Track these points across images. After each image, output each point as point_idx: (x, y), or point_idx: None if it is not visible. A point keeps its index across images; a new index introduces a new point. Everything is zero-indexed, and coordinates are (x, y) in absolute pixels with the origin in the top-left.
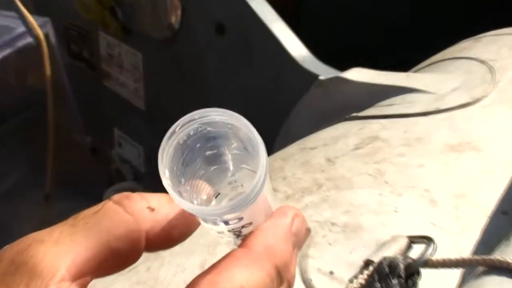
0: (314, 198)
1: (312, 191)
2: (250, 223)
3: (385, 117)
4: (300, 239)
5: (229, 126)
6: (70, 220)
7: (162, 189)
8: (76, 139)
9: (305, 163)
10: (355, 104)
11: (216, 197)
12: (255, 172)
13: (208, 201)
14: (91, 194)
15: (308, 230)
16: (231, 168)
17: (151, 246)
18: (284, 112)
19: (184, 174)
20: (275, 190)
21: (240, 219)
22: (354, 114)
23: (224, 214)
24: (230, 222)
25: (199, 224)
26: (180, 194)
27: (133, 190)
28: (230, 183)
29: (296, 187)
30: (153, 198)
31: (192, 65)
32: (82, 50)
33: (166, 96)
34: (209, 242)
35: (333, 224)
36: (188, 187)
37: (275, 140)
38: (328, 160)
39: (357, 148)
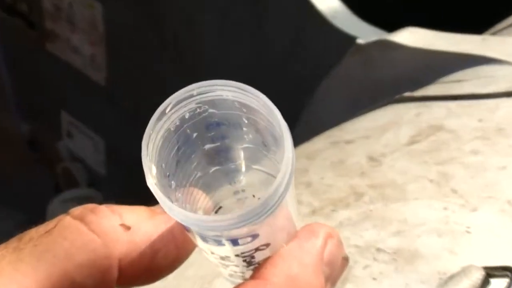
0: (351, 213)
1: (349, 204)
2: (267, 245)
3: (452, 99)
4: (335, 270)
5: (241, 106)
6: (12, 243)
7: (130, 200)
8: (7, 127)
9: (338, 163)
10: (408, 79)
11: (216, 212)
12: (274, 176)
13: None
14: (29, 206)
15: (345, 259)
16: (241, 169)
17: (125, 279)
18: (307, 89)
19: (175, 175)
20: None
21: (254, 236)
22: (407, 94)
23: (234, 227)
24: (240, 241)
25: (193, 247)
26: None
27: (89, 200)
28: (236, 192)
29: (326, 197)
30: (128, 212)
31: (178, 24)
32: (17, 1)
33: (137, 68)
34: (203, 273)
35: (378, 250)
36: (179, 195)
37: (293, 129)
38: (371, 159)
39: (412, 142)
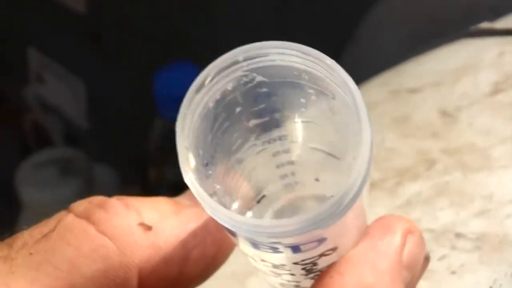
0: (422, 187)
1: (418, 175)
2: (335, 249)
3: None
4: (416, 274)
5: (301, 74)
6: (1, 250)
7: (122, 162)
8: None
9: (401, 120)
10: (486, 5)
11: (259, 202)
12: (335, 157)
13: (244, 209)
14: None
15: (427, 259)
16: (293, 148)
17: None
18: (351, 19)
19: (213, 162)
20: None
21: (321, 241)
22: (485, 25)
23: (299, 233)
24: (302, 248)
25: (234, 247)
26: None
27: (68, 162)
28: (283, 176)
29: (388, 166)
30: (147, 206)
31: None
32: None
33: None
34: (233, 270)
35: (458, 235)
36: (217, 186)
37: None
38: (445, 114)
39: (496, 91)
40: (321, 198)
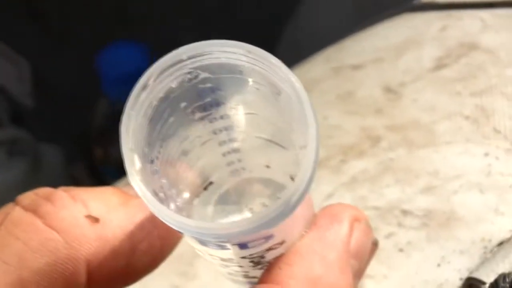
0: (367, 164)
1: (363, 152)
2: (282, 242)
3: (487, 6)
4: (364, 261)
5: (245, 71)
6: None
7: (67, 143)
8: None
9: (345, 97)
10: None
11: (205, 189)
12: (279, 145)
13: (192, 196)
14: None
15: (375, 244)
16: (238, 137)
17: (97, 284)
18: None
19: (159, 157)
20: None
21: (268, 238)
22: None
23: (246, 234)
24: (249, 245)
25: (179, 239)
26: (155, 194)
27: (14, 142)
28: (230, 163)
29: (332, 144)
30: (94, 198)
31: None
32: None
33: None
34: (180, 252)
35: (404, 212)
36: (163, 180)
37: (274, 48)
38: (388, 90)
39: (440, 66)
40: (267, 181)
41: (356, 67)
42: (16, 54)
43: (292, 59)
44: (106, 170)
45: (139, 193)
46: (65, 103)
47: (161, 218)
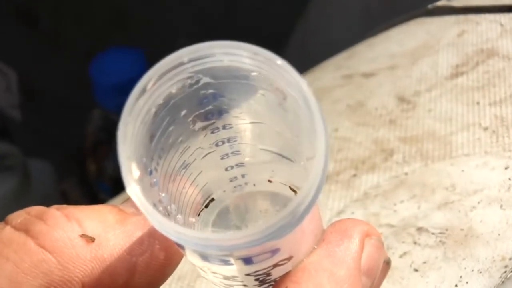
0: (379, 179)
1: (375, 166)
2: (290, 258)
3: (507, 10)
4: (375, 279)
5: (249, 74)
6: None
7: (56, 156)
8: None
9: (356, 107)
10: None
11: (207, 206)
12: (287, 158)
13: (192, 214)
14: None
15: (387, 263)
16: (242, 150)
17: None
18: None
19: (158, 169)
20: None
21: (274, 252)
22: (442, 2)
23: (250, 246)
24: (254, 260)
25: (180, 258)
26: (154, 207)
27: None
28: (233, 179)
29: (343, 157)
30: (88, 217)
31: None
32: None
33: None
34: (181, 273)
35: (420, 230)
36: (162, 194)
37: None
38: (402, 100)
39: (457, 74)
40: (273, 196)
41: (368, 75)
42: (3, 64)
43: (300, 65)
44: (100, 187)
45: (137, 203)
46: (56, 114)
47: (161, 231)
